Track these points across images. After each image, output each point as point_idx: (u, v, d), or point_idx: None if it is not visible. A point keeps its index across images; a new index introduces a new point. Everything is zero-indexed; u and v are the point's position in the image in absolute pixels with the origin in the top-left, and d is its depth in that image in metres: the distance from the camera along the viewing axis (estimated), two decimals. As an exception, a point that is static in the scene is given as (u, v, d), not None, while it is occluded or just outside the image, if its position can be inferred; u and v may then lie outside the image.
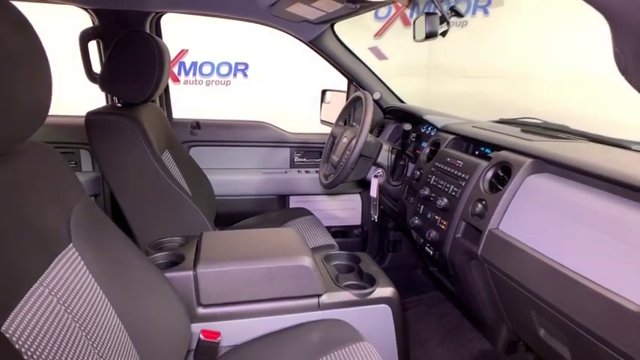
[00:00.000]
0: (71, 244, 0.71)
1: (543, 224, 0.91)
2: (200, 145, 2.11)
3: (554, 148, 1.06)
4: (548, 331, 0.94)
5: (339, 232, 2.27)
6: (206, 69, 4.42)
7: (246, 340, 1.07)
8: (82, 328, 0.65)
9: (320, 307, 1.11)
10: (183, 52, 4.23)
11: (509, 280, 0.96)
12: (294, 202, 2.23)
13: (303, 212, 1.92)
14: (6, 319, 0.53)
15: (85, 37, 1.73)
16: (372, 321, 1.14)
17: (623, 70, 0.50)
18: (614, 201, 0.80)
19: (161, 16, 1.87)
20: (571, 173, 0.93)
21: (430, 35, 1.25)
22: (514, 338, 1.28)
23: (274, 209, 2.15)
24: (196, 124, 2.09)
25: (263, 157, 2.19)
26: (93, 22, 1.77)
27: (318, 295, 1.11)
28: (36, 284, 0.60)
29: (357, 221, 2.31)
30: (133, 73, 1.39)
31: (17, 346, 0.52)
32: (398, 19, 4.13)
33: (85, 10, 1.72)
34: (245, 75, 4.48)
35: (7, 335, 0.52)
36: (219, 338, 1.01)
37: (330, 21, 1.80)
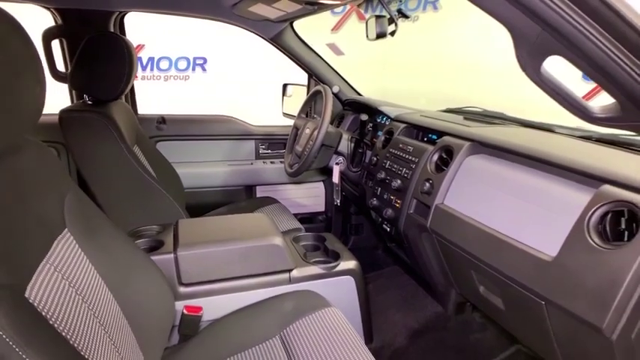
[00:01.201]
0: (66, 229, 0.79)
1: (480, 197, 1.06)
2: (166, 139, 2.14)
3: (489, 132, 1.21)
4: (486, 287, 1.10)
5: (305, 219, 2.36)
6: (164, 64, 4.38)
7: (226, 314, 1.16)
8: (85, 300, 0.74)
9: (291, 280, 1.22)
10: (139, 48, 4.16)
11: (453, 247, 1.11)
12: (260, 192, 2.31)
13: (270, 201, 2.00)
14: (26, 287, 0.61)
15: (48, 36, 1.73)
16: (338, 291, 1.26)
17: (523, 68, 0.64)
18: (536, 175, 0.95)
19: (125, 14, 1.88)
20: (502, 153, 1.08)
21: (380, 35, 1.38)
22: (462, 300, 1.45)
23: (242, 199, 2.21)
24: (162, 120, 2.12)
25: (229, 150, 2.25)
26: (56, 21, 1.76)
27: (289, 270, 1.22)
28: (43, 261, 0.69)
29: (321, 207, 2.42)
30: (103, 72, 1.43)
31: (39, 309, 0.61)
32: (354, 15, 4.26)
33: (48, 9, 1.72)
34: (204, 69, 4.46)
35: (30, 300, 0.61)
36: (201, 312, 1.11)
37: (290, 19, 1.88)
